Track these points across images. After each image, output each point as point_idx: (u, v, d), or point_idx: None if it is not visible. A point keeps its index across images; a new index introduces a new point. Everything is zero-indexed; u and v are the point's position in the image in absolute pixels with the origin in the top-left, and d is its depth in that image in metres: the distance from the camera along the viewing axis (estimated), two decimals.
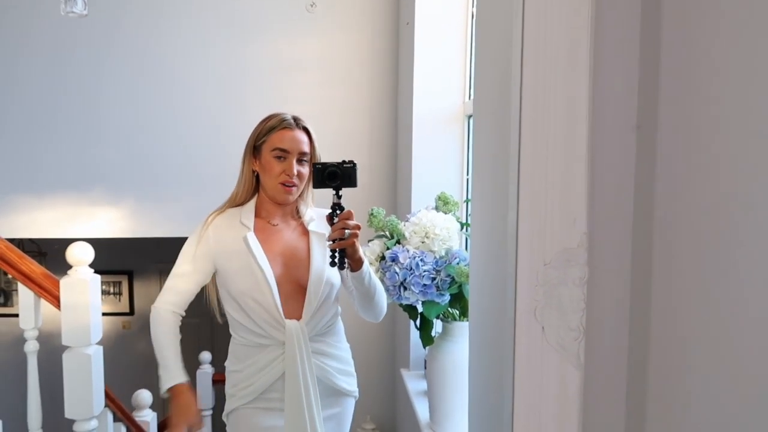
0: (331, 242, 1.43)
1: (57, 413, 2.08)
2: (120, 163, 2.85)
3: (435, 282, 1.71)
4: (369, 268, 1.55)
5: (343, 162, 1.46)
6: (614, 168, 0.66)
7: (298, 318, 1.57)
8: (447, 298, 1.74)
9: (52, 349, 2.47)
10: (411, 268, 1.71)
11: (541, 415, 0.72)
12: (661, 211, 0.64)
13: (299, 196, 1.63)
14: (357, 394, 1.72)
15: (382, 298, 1.63)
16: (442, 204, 1.87)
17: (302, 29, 2.84)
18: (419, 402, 2.21)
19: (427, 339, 1.87)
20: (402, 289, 1.73)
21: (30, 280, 1.97)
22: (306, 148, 1.59)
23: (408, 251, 1.75)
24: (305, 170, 1.60)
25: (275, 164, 1.57)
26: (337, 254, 1.44)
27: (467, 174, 2.43)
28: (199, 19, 2.82)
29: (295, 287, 1.59)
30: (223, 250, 1.59)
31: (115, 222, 2.90)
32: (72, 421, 1.96)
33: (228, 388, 1.64)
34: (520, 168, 0.76)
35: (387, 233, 1.89)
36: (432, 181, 2.39)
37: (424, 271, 1.70)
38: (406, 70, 2.58)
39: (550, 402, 0.70)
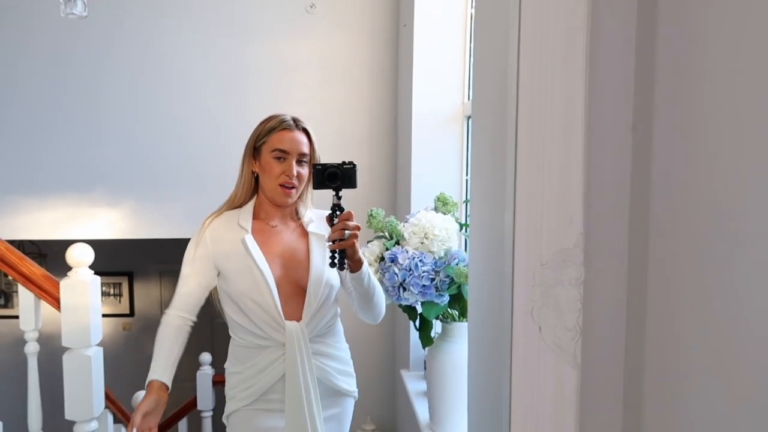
0: (330, 243, 1.43)
1: (57, 415, 2.08)
2: (120, 163, 2.85)
3: (434, 283, 1.71)
4: (368, 269, 1.55)
5: (343, 163, 1.46)
6: (610, 168, 0.66)
7: (298, 319, 1.57)
8: (446, 298, 1.74)
9: (52, 351, 2.47)
10: (410, 269, 1.71)
11: (539, 415, 0.72)
12: (658, 211, 0.64)
13: (299, 197, 1.63)
14: (356, 394, 1.73)
15: (381, 300, 1.63)
16: (442, 205, 1.87)
17: (302, 30, 2.84)
18: (419, 402, 2.21)
19: (426, 340, 1.87)
20: (401, 289, 1.73)
21: (30, 282, 1.97)
22: (305, 150, 1.59)
23: (407, 252, 1.75)
24: (305, 171, 1.60)
25: (275, 165, 1.57)
26: (336, 255, 1.44)
27: (466, 175, 2.44)
28: (199, 20, 2.82)
29: (294, 288, 1.59)
30: (221, 253, 1.59)
31: (115, 223, 2.90)
32: (72, 423, 1.96)
33: (228, 390, 1.64)
34: (517, 168, 0.76)
35: (386, 234, 1.89)
36: (431, 181, 2.39)
37: (424, 272, 1.70)
38: (406, 70, 2.58)
39: (547, 402, 0.70)
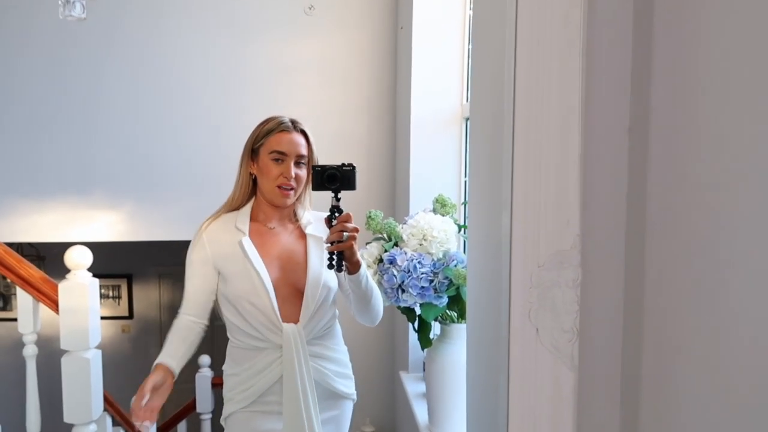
0: (329, 244, 1.43)
1: (56, 417, 2.08)
2: (119, 165, 2.85)
3: (433, 284, 1.71)
4: (366, 271, 1.55)
5: (343, 165, 1.46)
6: (607, 170, 0.66)
7: (296, 321, 1.57)
8: (445, 300, 1.74)
9: (50, 353, 2.47)
10: (409, 271, 1.71)
11: (536, 417, 0.72)
12: (654, 213, 0.64)
13: (297, 199, 1.63)
14: (355, 396, 1.72)
15: (379, 302, 1.63)
16: (440, 206, 1.87)
17: (301, 31, 2.85)
18: (418, 404, 2.21)
19: (425, 341, 1.87)
20: (400, 291, 1.73)
21: (29, 285, 1.97)
22: (304, 151, 1.59)
23: (406, 254, 1.75)
24: (303, 173, 1.60)
25: (273, 167, 1.57)
26: (335, 256, 1.44)
27: (465, 176, 2.44)
28: (198, 20, 2.82)
29: (292, 290, 1.59)
30: (219, 255, 1.59)
31: (114, 225, 2.90)
32: (71, 426, 1.96)
33: (225, 392, 1.64)
34: (514, 170, 0.76)
35: (385, 236, 1.89)
36: (430, 183, 2.39)
37: (422, 274, 1.70)
38: (405, 72, 2.59)
39: (544, 403, 0.70)
